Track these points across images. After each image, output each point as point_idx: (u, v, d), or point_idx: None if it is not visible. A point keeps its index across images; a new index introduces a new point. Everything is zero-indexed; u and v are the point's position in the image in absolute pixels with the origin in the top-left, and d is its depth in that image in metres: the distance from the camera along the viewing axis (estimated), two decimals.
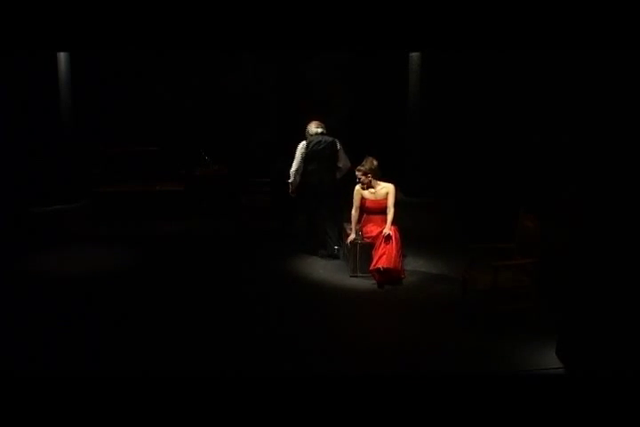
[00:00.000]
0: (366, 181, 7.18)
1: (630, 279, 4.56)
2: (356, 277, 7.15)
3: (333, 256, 7.78)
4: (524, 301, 5.97)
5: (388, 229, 7.00)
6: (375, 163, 7.18)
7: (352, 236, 7.22)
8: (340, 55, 10.95)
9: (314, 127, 7.82)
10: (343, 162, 7.85)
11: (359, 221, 7.32)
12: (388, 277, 6.92)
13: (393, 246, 6.90)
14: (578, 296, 5.13)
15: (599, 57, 4.66)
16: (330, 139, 7.79)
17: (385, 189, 7.19)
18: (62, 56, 9.63)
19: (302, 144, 7.78)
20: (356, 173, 7.23)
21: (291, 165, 7.84)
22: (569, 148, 6.26)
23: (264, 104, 11.11)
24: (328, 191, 7.74)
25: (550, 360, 5.25)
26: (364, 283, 7.02)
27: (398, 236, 7.00)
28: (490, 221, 8.45)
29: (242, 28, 4.35)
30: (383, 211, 7.18)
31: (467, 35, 4.31)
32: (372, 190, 7.23)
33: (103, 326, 5.98)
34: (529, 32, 4.25)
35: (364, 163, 7.19)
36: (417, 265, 7.54)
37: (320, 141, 7.75)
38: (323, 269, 7.45)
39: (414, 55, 10.12)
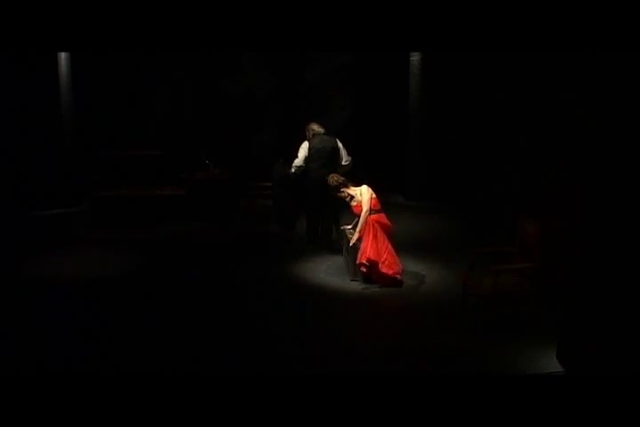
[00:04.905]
0: (345, 194, 7.29)
1: (630, 283, 4.54)
2: (357, 280, 7.13)
3: (330, 248, 8.11)
4: (524, 305, 5.95)
5: (355, 238, 7.08)
6: (336, 178, 7.36)
7: (355, 237, 7.19)
8: (341, 58, 10.96)
9: (315, 127, 8.18)
10: (345, 159, 8.20)
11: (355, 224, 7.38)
12: (374, 271, 6.96)
13: (370, 241, 6.92)
14: (578, 300, 5.11)
15: (600, 57, 4.65)
16: (331, 138, 8.18)
17: (359, 192, 7.24)
18: (63, 59, 9.63)
19: (305, 144, 8.16)
20: (336, 194, 7.36)
21: (291, 166, 8.25)
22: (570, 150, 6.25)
23: (265, 108, 11.12)
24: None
25: (551, 364, 5.24)
26: (365, 287, 6.99)
27: (381, 231, 7.00)
28: (491, 225, 8.45)
29: (242, 28, 4.34)
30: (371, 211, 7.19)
31: (467, 35, 4.30)
32: (354, 198, 7.28)
33: (103, 329, 5.98)
34: (529, 32, 4.24)
35: (330, 183, 7.35)
36: (418, 269, 7.53)
37: (321, 141, 8.10)
38: (324, 274, 7.44)
39: (415, 59, 10.11)
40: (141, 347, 5.65)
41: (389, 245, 7.03)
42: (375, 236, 6.97)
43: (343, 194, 7.31)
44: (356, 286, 7.05)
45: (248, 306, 6.58)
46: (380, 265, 6.92)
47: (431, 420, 3.97)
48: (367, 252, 6.92)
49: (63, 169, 9.98)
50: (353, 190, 7.27)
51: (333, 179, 7.36)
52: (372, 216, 7.10)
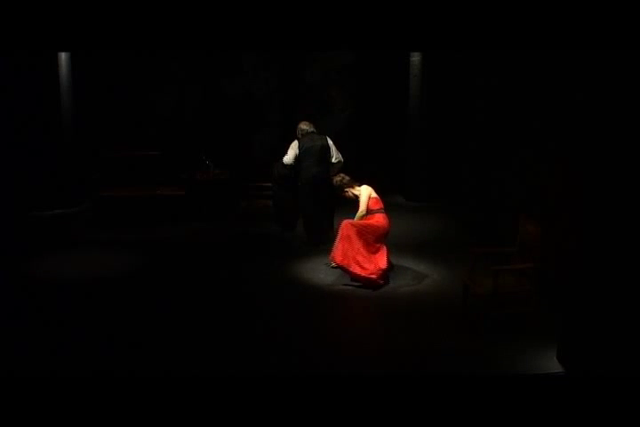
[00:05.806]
0: (350, 194, 7.39)
1: (630, 283, 4.54)
2: (357, 281, 7.13)
3: (323, 242, 8.10)
4: (524, 305, 5.95)
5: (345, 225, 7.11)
6: (341, 177, 7.48)
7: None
8: (342, 59, 10.96)
9: (304, 126, 8.21)
10: (336, 157, 8.20)
11: None
12: (346, 271, 7.04)
13: (340, 242, 6.96)
14: (578, 300, 5.11)
15: (600, 57, 4.65)
16: (321, 136, 8.20)
17: (360, 192, 7.31)
18: (63, 59, 9.62)
19: (295, 143, 8.18)
20: (342, 194, 7.46)
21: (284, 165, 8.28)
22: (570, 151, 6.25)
23: (265, 108, 11.12)
24: (324, 187, 7.94)
25: (551, 364, 5.23)
26: (365, 288, 6.98)
27: (355, 232, 6.97)
28: (491, 225, 8.44)
29: (242, 28, 4.35)
30: (370, 211, 7.21)
31: (467, 35, 4.30)
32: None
33: (103, 329, 5.97)
34: (529, 32, 4.24)
35: (334, 182, 7.49)
36: (418, 269, 7.53)
37: (311, 139, 8.12)
38: (323, 274, 7.42)
39: (415, 59, 10.11)
40: (141, 347, 5.64)
41: (362, 248, 6.96)
42: (347, 237, 6.96)
43: (348, 193, 7.38)
44: (356, 286, 7.04)
45: (247, 306, 6.57)
46: (352, 266, 6.94)
47: (431, 420, 3.98)
48: (334, 253, 7.01)
49: (63, 169, 9.97)
50: (357, 190, 7.30)
51: (337, 178, 7.45)
52: (368, 216, 7.13)
